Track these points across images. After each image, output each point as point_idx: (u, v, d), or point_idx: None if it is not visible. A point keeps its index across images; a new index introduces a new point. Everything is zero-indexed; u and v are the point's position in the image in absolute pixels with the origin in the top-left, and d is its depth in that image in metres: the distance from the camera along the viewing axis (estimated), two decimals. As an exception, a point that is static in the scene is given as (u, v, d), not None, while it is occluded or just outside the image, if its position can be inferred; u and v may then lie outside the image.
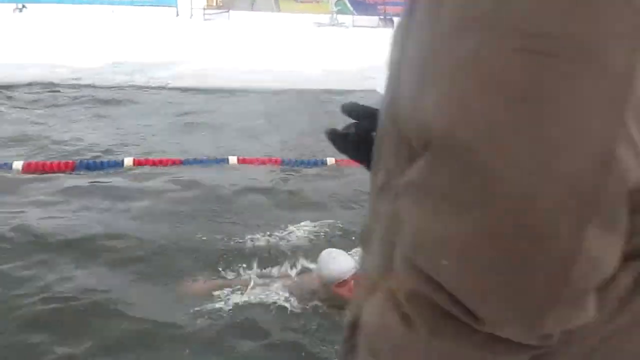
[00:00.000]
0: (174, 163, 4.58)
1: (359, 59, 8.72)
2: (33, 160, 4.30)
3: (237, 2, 12.19)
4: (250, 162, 4.70)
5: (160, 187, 3.95)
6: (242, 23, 11.70)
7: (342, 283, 2.60)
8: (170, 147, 5.05)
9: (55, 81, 7.24)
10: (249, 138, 5.44)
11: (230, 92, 7.33)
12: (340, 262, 2.67)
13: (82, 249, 2.96)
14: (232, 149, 5.00)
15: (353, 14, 12.24)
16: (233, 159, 4.68)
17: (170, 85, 7.49)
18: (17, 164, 4.14)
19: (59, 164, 4.30)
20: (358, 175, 4.29)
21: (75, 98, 6.66)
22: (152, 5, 12.39)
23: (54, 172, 4.11)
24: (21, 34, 9.86)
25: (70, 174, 4.14)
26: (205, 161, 4.63)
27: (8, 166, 4.13)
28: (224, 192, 3.93)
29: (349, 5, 12.36)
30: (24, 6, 12.23)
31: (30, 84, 7.07)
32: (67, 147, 4.82)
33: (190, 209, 3.57)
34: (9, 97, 6.55)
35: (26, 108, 6.13)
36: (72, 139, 5.07)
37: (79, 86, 7.18)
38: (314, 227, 3.43)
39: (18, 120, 5.59)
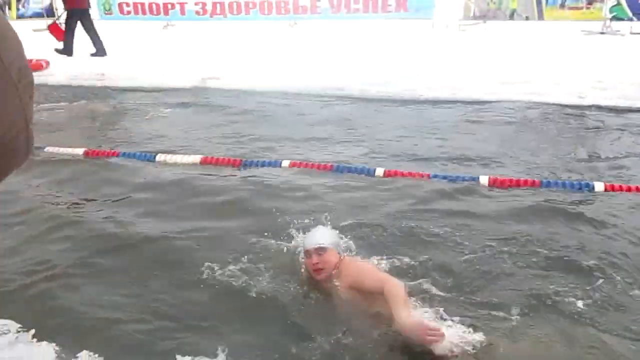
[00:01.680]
0: (421, 176, 4.48)
1: (638, 71, 7.60)
2: (210, 155, 5.04)
3: (496, 12, 11.71)
4: (503, 183, 4.30)
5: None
6: (500, 33, 11.25)
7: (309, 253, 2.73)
8: (413, 157, 5.04)
9: (318, 91, 7.81)
10: (500, 154, 5.10)
11: (481, 104, 7.03)
12: (315, 235, 2.82)
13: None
14: (483, 165, 4.77)
15: (631, 20, 10.80)
16: (484, 179, 4.36)
17: (422, 97, 7.49)
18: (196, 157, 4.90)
19: (228, 159, 4.93)
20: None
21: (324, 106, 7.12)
22: (407, 19, 12.68)
23: (224, 166, 4.85)
24: (292, 47, 10.93)
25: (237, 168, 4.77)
26: (453, 178, 4.43)
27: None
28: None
29: (627, 9, 10.93)
30: (295, 22, 13.54)
31: (298, 93, 7.76)
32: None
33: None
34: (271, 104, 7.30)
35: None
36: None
37: (337, 96, 7.61)
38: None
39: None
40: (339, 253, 2.79)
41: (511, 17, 12.29)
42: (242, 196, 4.14)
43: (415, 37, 11.42)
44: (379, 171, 4.57)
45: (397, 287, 2.48)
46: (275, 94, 7.76)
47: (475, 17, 12.49)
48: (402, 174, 4.50)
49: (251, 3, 13.68)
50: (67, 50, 10.73)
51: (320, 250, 2.72)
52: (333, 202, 3.99)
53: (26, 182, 4.52)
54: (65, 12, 10.86)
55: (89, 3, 10.93)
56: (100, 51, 10.62)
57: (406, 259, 3.08)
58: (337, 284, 2.71)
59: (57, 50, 10.66)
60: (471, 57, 9.22)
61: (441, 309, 2.52)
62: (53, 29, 10.97)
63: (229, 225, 3.62)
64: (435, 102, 7.19)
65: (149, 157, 5.04)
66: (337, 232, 3.01)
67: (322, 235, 2.81)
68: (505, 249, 3.25)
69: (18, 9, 15.40)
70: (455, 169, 4.67)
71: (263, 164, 4.81)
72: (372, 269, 2.79)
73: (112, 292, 2.95)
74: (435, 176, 4.42)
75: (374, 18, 13.01)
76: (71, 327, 2.70)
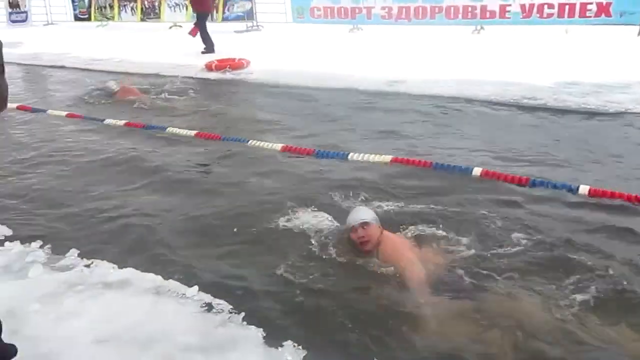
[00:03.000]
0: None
1: None
2: (399, 156, 5.11)
3: None
4: None
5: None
6: None
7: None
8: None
9: (508, 99, 7.44)
10: None
11: None
12: (358, 212, 3.34)
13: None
14: None
15: None
16: None
17: (630, 110, 6.75)
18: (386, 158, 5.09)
19: (418, 161, 4.94)
20: None
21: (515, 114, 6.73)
22: (610, 24, 11.53)
23: (414, 166, 4.89)
24: (479, 53, 10.59)
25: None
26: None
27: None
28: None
29: None
30: (482, 27, 13.09)
31: (486, 101, 7.47)
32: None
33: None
34: (459, 110, 7.11)
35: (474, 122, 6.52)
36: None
37: (529, 106, 7.16)
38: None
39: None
40: (379, 227, 3.27)
41: None
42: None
43: (617, 45, 10.34)
44: (583, 189, 4.22)
45: (415, 272, 3.00)
46: (460, 100, 7.56)
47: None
48: (612, 195, 4.10)
49: (437, 7, 13.51)
50: (209, 49, 12.34)
51: (365, 225, 3.21)
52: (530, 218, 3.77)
53: (227, 169, 5.02)
54: (196, 16, 12.80)
55: (212, 7, 13.08)
56: (209, 49, 12.38)
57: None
58: (376, 258, 3.21)
59: (202, 52, 12.25)
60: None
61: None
62: (194, 31, 12.56)
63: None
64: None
65: (342, 156, 5.23)
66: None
67: (365, 212, 3.34)
68: None
69: (224, 12, 17.03)
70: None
71: (453, 169, 4.73)
72: (404, 247, 3.25)
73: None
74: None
75: (570, 23, 12.04)
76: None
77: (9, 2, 22.11)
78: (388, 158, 5.03)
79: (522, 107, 7.09)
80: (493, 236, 3.49)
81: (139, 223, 3.97)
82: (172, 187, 4.70)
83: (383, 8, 14.26)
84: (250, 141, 5.83)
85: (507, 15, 12.75)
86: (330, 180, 4.63)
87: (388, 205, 3.95)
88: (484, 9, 12.93)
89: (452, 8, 13.29)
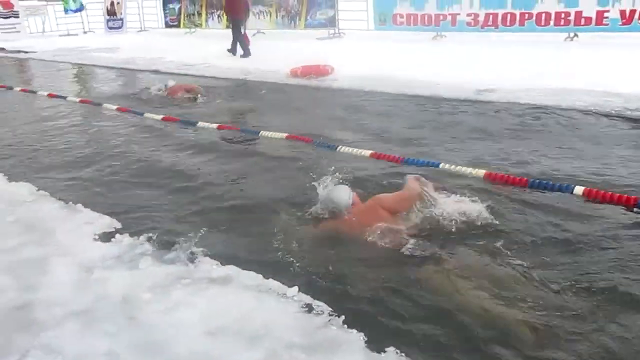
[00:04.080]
0: None
1: None
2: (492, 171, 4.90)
3: None
4: None
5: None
6: None
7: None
8: None
9: (608, 110, 7.05)
10: None
11: None
12: (339, 194, 3.85)
13: None
14: None
15: None
16: None
17: None
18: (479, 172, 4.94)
19: (514, 178, 4.72)
20: None
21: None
22: None
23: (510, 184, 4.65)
24: (573, 61, 10.15)
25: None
26: None
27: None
28: None
29: None
30: (575, 35, 12.57)
31: (583, 111, 7.12)
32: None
33: None
34: (554, 122, 6.81)
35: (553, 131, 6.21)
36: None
37: (633, 118, 6.75)
38: None
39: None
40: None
41: None
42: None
43: None
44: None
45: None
46: (554, 110, 7.24)
47: None
48: None
49: (527, 14, 13.08)
50: (246, 53, 13.88)
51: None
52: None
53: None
54: (232, 23, 14.38)
55: (245, 15, 14.46)
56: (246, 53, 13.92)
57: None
58: None
59: (241, 56, 13.86)
60: None
61: None
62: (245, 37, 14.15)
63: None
64: None
65: (434, 164, 5.16)
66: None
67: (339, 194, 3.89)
68: None
69: (307, 19, 17.33)
70: None
71: (551, 187, 4.50)
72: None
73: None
74: None
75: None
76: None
77: (107, 10, 23.56)
78: (481, 172, 4.88)
79: (625, 119, 6.70)
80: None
81: (235, 223, 4.09)
82: (264, 189, 4.80)
83: (469, 15, 14.00)
84: (339, 147, 5.87)
85: (604, 22, 12.15)
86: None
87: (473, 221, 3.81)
88: (578, 15, 12.40)
89: (544, 14, 12.84)
